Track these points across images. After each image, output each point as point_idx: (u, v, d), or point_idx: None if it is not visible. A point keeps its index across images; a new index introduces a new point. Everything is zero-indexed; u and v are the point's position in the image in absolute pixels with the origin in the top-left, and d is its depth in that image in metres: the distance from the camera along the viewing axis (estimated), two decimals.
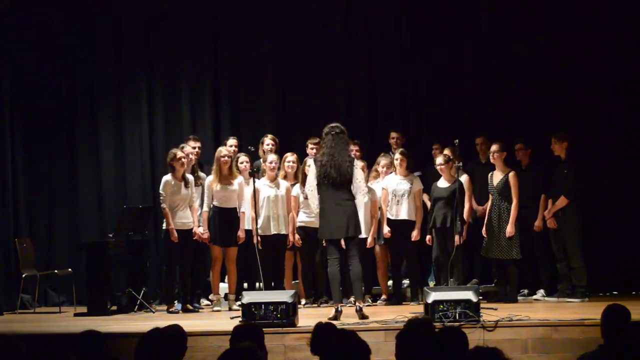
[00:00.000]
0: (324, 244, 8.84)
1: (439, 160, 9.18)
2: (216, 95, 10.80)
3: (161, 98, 10.72)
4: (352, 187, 7.76)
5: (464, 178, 9.16)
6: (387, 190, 9.30)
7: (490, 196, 9.18)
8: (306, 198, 9.03)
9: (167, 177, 9.00)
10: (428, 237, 9.26)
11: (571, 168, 9.06)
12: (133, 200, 10.34)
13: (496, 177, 9.17)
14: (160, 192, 8.98)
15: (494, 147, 9.16)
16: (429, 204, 9.39)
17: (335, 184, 7.72)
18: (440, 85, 10.58)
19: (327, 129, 7.89)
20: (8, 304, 9.85)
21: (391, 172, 9.41)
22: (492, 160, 9.20)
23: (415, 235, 9.20)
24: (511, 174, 9.08)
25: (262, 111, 10.80)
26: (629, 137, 10.15)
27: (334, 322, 7.18)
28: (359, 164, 8.01)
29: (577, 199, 9.08)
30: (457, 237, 8.77)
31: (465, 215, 9.11)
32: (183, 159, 8.97)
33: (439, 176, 9.23)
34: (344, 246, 7.97)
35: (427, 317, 6.70)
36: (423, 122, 10.58)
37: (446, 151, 9.34)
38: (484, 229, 9.17)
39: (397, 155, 9.32)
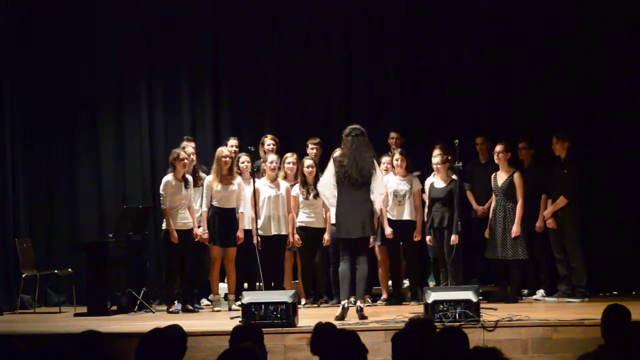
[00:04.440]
0: (325, 243, 8.87)
1: (436, 160, 9.16)
2: (216, 95, 10.80)
3: (161, 98, 10.72)
4: (371, 187, 7.77)
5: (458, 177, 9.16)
6: (387, 191, 9.29)
7: (494, 196, 9.18)
8: (306, 198, 9.06)
9: (168, 177, 9.00)
10: (428, 237, 9.25)
11: (571, 168, 9.05)
12: (133, 200, 10.34)
13: (500, 177, 9.16)
14: (161, 192, 8.99)
15: (498, 148, 9.15)
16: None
17: (357, 184, 7.75)
18: (440, 85, 10.57)
19: (348, 130, 7.91)
20: (8, 304, 9.85)
21: (389, 173, 9.39)
22: (496, 161, 9.18)
23: (416, 235, 9.20)
24: (516, 175, 9.07)
25: (262, 111, 10.79)
26: (628, 137, 10.14)
27: (341, 320, 7.22)
28: (376, 164, 8.01)
29: (576, 199, 9.07)
30: (455, 237, 8.77)
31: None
32: (185, 160, 8.97)
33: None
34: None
35: (428, 317, 6.69)
36: (423, 122, 10.55)
37: (438, 150, 9.29)
38: (487, 230, 9.17)
39: (397, 156, 9.31)
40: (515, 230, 8.97)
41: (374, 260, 9.39)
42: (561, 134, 9.11)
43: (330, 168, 7.90)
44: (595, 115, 10.17)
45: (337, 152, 7.92)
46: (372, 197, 7.84)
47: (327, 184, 7.90)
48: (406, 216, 9.25)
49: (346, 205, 7.79)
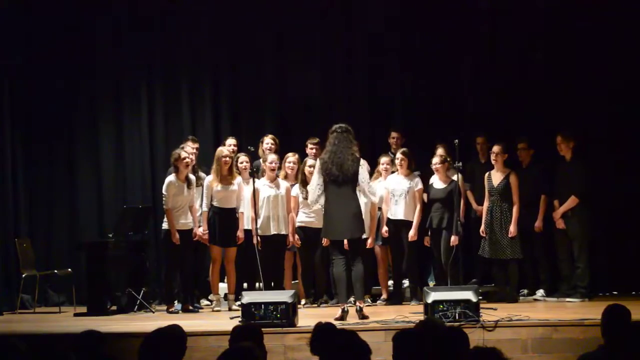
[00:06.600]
0: (324, 244, 8.85)
1: (435, 160, 9.16)
2: (216, 96, 10.80)
3: (161, 98, 10.73)
4: (357, 187, 7.72)
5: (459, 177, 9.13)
6: (388, 190, 9.29)
7: (490, 196, 9.17)
8: (305, 198, 9.05)
9: (171, 178, 8.99)
10: (426, 238, 9.24)
11: (579, 167, 9.03)
12: (133, 200, 10.34)
13: (496, 177, 9.16)
14: (164, 192, 8.98)
15: (495, 148, 9.14)
16: None
17: (337, 182, 7.63)
18: (440, 85, 10.56)
19: (333, 128, 7.82)
20: (8, 304, 9.86)
21: (394, 172, 9.39)
22: (492, 161, 9.18)
23: (412, 235, 9.16)
24: (512, 175, 9.07)
25: (262, 111, 10.79)
26: (628, 137, 10.13)
27: (340, 321, 7.20)
28: (364, 164, 7.94)
29: (586, 198, 9.06)
30: (455, 238, 8.77)
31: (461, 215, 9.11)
32: (187, 160, 8.97)
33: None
34: (346, 247, 7.96)
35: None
36: (423, 122, 10.55)
37: (440, 151, 9.30)
38: (482, 228, 9.17)
39: (399, 155, 9.29)
40: (512, 230, 8.98)
41: (374, 260, 9.40)
42: (566, 133, 9.09)
43: (317, 167, 7.79)
44: (594, 114, 10.15)
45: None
46: (361, 197, 7.79)
47: (314, 187, 7.74)
48: (401, 216, 9.23)
49: (332, 205, 7.66)
